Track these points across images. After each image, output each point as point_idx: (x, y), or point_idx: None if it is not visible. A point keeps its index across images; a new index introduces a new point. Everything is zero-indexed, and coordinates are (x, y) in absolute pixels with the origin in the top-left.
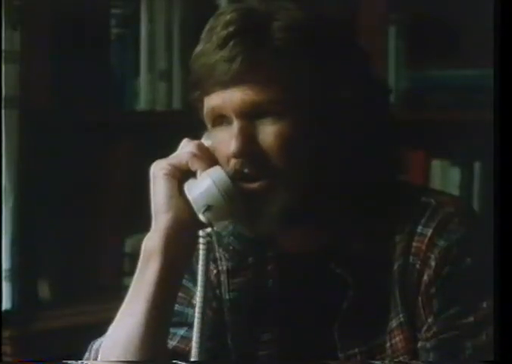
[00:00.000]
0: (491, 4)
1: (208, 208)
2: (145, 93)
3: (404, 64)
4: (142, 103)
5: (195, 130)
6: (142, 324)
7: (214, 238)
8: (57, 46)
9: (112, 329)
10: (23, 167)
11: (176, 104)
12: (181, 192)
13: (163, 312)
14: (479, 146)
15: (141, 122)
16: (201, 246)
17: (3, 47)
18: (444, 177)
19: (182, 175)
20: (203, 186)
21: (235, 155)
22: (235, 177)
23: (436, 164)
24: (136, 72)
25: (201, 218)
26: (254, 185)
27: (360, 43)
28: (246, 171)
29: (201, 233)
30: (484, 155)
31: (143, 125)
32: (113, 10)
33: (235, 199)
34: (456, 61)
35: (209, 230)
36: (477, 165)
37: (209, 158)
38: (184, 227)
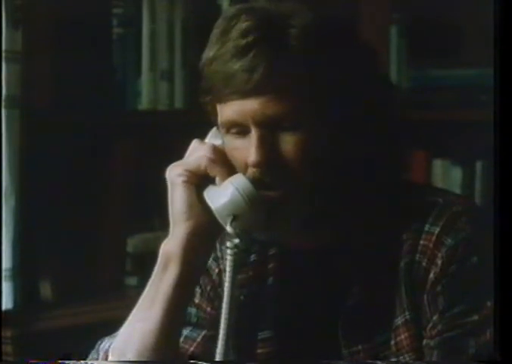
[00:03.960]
0: (492, 4)
1: (234, 218)
2: (147, 93)
3: (405, 63)
4: (144, 103)
5: (197, 130)
6: (158, 329)
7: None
8: (59, 46)
9: (124, 331)
10: (24, 167)
11: (178, 104)
12: (199, 198)
13: (178, 317)
14: (480, 145)
15: (142, 122)
16: (228, 258)
17: (4, 47)
18: (446, 176)
19: (199, 181)
20: (227, 195)
21: (255, 165)
22: (255, 185)
23: (437, 164)
24: (138, 72)
25: (229, 229)
26: (273, 193)
27: (368, 45)
28: (266, 180)
29: (228, 244)
30: (485, 154)
31: (145, 125)
32: (115, 10)
33: (260, 207)
34: (457, 61)
35: (236, 241)
36: (478, 164)
37: (226, 163)
38: (203, 234)
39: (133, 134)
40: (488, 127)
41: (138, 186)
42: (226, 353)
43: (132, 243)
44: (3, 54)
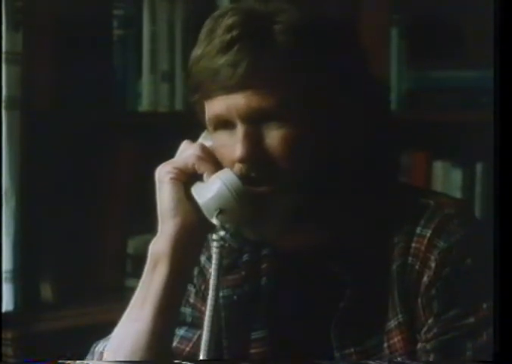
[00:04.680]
0: (492, 5)
1: (220, 212)
2: (147, 94)
3: (405, 64)
4: (144, 104)
5: (197, 132)
6: (150, 329)
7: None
8: (59, 47)
9: (117, 333)
10: (24, 168)
11: (178, 105)
12: (188, 195)
13: (170, 316)
14: (480, 147)
15: (143, 123)
16: (214, 250)
17: (4, 48)
18: (446, 178)
19: (188, 178)
20: (214, 190)
21: (241, 160)
22: (242, 181)
23: (438, 166)
24: (138, 73)
25: (215, 222)
26: (261, 189)
27: (360, 42)
28: (253, 175)
29: (214, 236)
30: (486, 156)
31: (145, 126)
32: (115, 12)
33: (247, 201)
34: (457, 62)
35: (222, 233)
36: (479, 166)
37: (214, 161)
38: (192, 231)
39: (133, 136)
40: (489, 129)
41: (138, 188)
42: (210, 348)
43: (133, 245)
44: (3, 56)
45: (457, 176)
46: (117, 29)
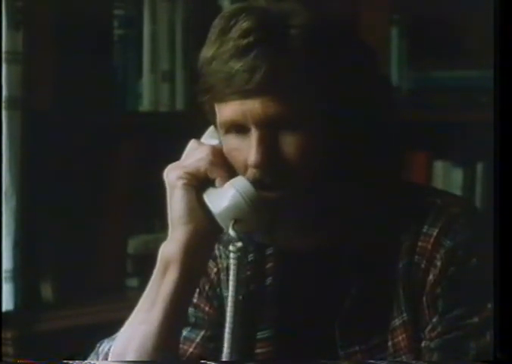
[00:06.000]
0: (492, 5)
1: (236, 222)
2: (148, 94)
3: (405, 64)
4: (145, 104)
5: (198, 131)
6: (158, 332)
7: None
8: (60, 47)
9: (123, 335)
10: (24, 168)
11: (179, 105)
12: (199, 201)
13: (178, 320)
14: (481, 147)
15: (143, 123)
16: (232, 261)
17: (5, 48)
18: (447, 178)
19: (199, 183)
20: (228, 199)
21: (256, 166)
22: (255, 186)
23: (438, 165)
24: (139, 73)
25: (231, 233)
26: (274, 194)
27: (369, 42)
28: (266, 180)
29: (231, 248)
30: (486, 155)
31: (146, 126)
32: (116, 11)
33: (261, 209)
34: (458, 62)
35: (239, 244)
36: (479, 166)
37: (227, 165)
38: (203, 237)
39: (134, 136)
40: (489, 129)
41: (138, 188)
42: (231, 355)
43: (133, 245)
44: (3, 56)
45: (457, 176)
46: (118, 29)
